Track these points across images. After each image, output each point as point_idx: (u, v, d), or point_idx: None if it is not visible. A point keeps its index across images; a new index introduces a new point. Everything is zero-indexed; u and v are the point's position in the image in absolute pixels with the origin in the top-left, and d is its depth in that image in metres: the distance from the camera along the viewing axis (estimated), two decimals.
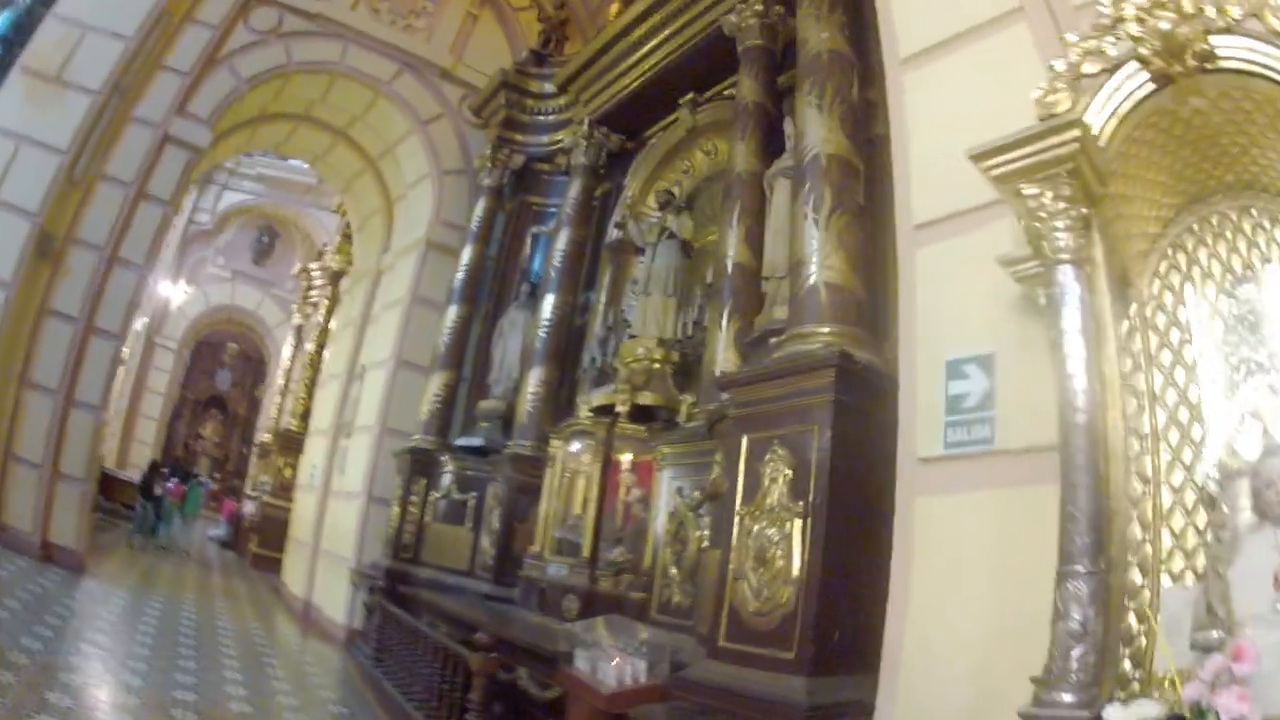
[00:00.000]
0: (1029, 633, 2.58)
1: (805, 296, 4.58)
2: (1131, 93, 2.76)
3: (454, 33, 11.97)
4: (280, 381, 20.97)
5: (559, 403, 8.97)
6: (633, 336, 7.87)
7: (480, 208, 10.55)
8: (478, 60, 11.93)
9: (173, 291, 24.68)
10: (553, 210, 10.48)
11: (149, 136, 9.51)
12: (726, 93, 8.37)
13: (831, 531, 3.91)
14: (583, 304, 9.57)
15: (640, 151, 9.76)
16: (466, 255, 10.31)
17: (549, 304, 9.13)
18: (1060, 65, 2.87)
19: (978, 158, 2.82)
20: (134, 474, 19.03)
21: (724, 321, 6.11)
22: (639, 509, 6.62)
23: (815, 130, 4.97)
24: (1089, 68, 2.83)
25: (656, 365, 7.32)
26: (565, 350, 9.18)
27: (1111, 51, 2.79)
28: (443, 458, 9.32)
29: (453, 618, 7.32)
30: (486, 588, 8.09)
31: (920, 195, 3.70)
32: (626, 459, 6.81)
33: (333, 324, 17.16)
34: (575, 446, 7.34)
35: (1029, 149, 2.72)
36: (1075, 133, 2.65)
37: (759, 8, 6.93)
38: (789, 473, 4.08)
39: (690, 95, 8.77)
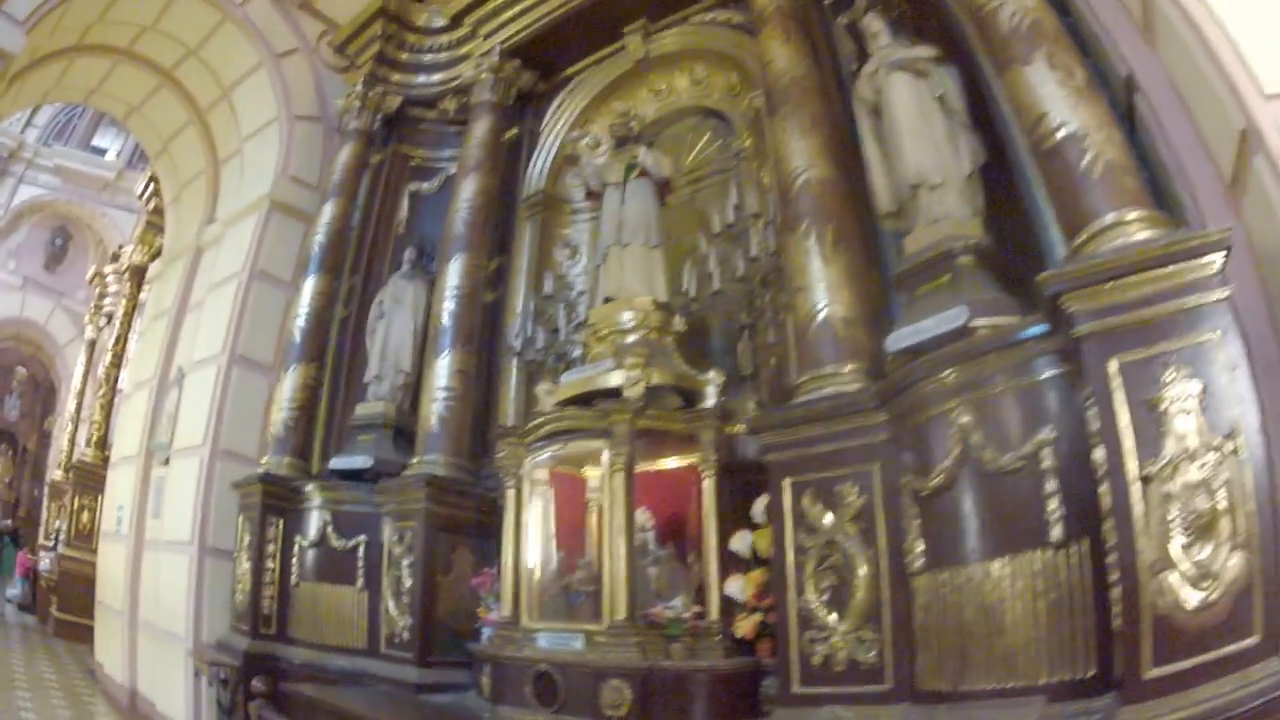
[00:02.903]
0: None
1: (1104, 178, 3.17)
2: None
3: None
4: (71, 407, 16.20)
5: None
6: (608, 300, 5.08)
7: (346, 154, 7.56)
8: None
9: None
10: (437, 165, 7.89)
11: None
12: (695, 18, 6.53)
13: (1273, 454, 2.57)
14: (493, 274, 6.81)
15: (560, 92, 7.46)
16: (328, 212, 7.27)
17: (456, 268, 6.31)
18: None
19: None
20: None
21: (820, 252, 4.09)
22: (664, 538, 4.14)
23: None
24: None
25: (654, 335, 4.63)
26: (476, 331, 6.31)
27: None
28: (307, 488, 6.14)
29: None
30: (413, 674, 5.04)
31: (1268, 67, 2.97)
32: (657, 464, 4.09)
33: (135, 327, 13.33)
34: (547, 455, 4.46)
35: None
36: None
37: None
38: (1198, 396, 2.64)
39: (641, 22, 6.71)
